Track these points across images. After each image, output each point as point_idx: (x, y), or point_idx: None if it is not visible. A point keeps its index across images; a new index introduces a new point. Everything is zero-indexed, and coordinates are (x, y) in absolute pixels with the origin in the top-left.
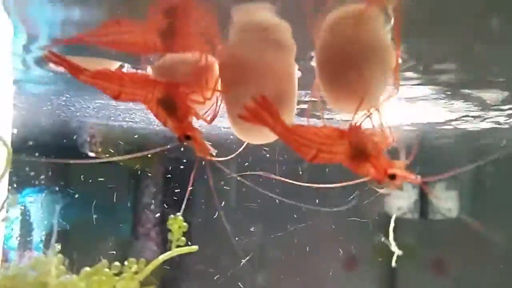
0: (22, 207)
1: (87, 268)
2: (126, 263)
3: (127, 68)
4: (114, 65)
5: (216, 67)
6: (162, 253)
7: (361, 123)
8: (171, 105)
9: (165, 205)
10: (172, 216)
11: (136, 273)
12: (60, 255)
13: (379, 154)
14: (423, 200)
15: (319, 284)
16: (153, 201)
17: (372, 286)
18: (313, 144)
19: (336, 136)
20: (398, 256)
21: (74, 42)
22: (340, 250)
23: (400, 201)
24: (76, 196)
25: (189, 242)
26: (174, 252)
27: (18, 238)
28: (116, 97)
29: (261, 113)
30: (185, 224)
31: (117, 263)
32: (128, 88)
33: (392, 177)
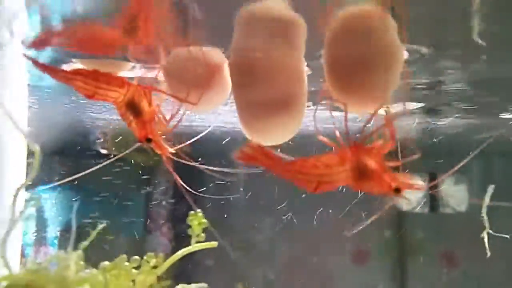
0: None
1: (106, 262)
2: (145, 257)
3: (138, 68)
4: (126, 66)
5: (226, 68)
6: (174, 248)
7: (362, 143)
8: (137, 109)
9: (176, 200)
10: (192, 212)
11: (155, 267)
12: (79, 251)
13: (382, 170)
14: (433, 194)
15: (329, 278)
16: (164, 197)
17: (382, 279)
18: (313, 177)
19: (335, 163)
20: (407, 250)
21: (44, 44)
22: (350, 244)
23: (410, 195)
24: (89, 192)
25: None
26: (194, 247)
27: (34, 235)
28: (90, 97)
29: (258, 157)
30: (204, 220)
31: (136, 257)
32: (103, 89)
33: (397, 190)
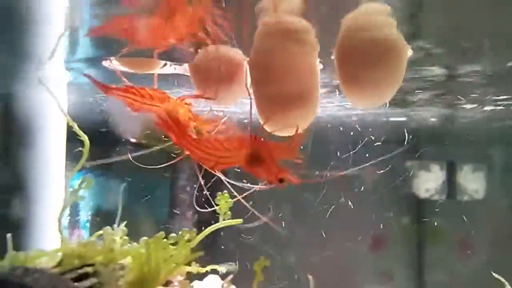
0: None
1: (145, 238)
2: (180, 232)
3: (169, 65)
4: (158, 64)
5: (246, 66)
6: (197, 232)
7: (261, 136)
8: (175, 117)
9: (200, 187)
10: (220, 193)
11: (189, 241)
12: (124, 228)
13: (272, 162)
14: (451, 182)
15: (347, 264)
16: (188, 183)
17: (399, 266)
18: (211, 157)
19: (234, 148)
20: (425, 237)
21: (102, 32)
22: (368, 230)
23: (428, 183)
24: (118, 179)
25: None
26: (221, 223)
27: (68, 218)
28: (135, 111)
29: (172, 127)
30: (231, 200)
31: (173, 234)
32: (147, 105)
33: (281, 180)
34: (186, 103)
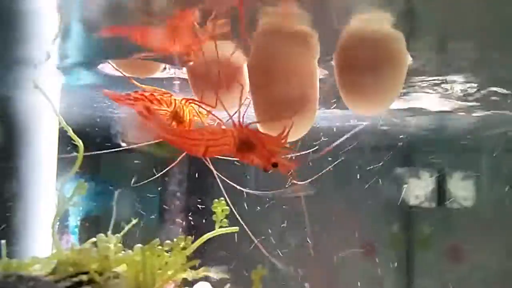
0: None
1: (140, 245)
2: (175, 239)
3: (168, 68)
4: (158, 68)
5: (245, 70)
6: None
7: (246, 124)
8: (180, 119)
9: (190, 192)
10: (216, 200)
11: (184, 248)
12: (118, 235)
13: (262, 147)
14: (440, 189)
15: (336, 270)
16: (179, 188)
17: (389, 273)
18: (200, 142)
19: (219, 131)
20: (414, 244)
21: (116, 32)
22: (358, 237)
23: (418, 190)
24: (108, 183)
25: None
26: (217, 231)
27: (57, 223)
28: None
29: (153, 128)
30: (227, 207)
31: (168, 241)
32: (156, 110)
33: (275, 165)
34: (190, 102)
